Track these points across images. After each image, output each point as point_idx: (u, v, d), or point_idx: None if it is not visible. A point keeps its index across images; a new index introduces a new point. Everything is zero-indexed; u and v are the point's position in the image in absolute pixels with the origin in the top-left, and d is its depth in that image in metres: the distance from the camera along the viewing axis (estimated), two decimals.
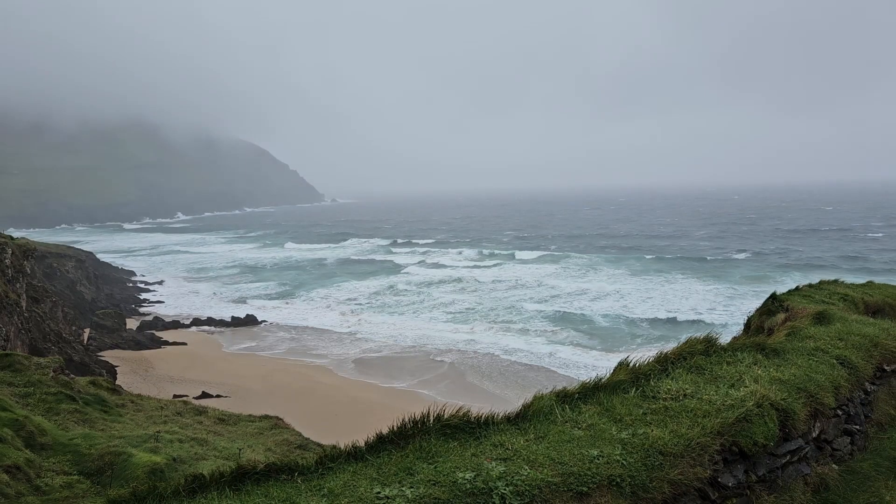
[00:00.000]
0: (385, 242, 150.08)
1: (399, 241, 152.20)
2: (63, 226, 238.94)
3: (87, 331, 56.46)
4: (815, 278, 19.47)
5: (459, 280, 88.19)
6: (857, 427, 9.36)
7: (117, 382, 33.37)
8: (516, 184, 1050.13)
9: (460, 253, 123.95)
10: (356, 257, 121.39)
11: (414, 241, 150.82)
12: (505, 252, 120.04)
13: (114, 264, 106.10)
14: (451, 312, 67.65)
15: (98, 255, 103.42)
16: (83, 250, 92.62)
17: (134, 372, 46.78)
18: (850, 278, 20.59)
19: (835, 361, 9.53)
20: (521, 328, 59.32)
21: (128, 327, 60.80)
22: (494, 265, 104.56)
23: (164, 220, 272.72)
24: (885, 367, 10.62)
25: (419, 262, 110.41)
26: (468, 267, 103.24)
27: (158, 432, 17.61)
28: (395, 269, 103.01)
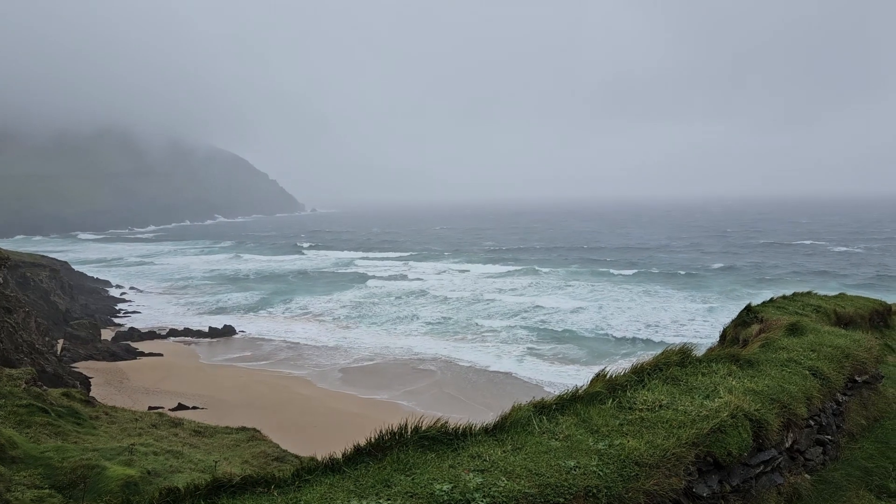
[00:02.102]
0: (364, 253, 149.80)
1: (378, 252, 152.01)
2: (20, 236, 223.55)
3: (60, 342, 55.52)
4: (790, 290, 19.78)
5: (438, 292, 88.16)
6: (829, 437, 9.52)
7: (91, 394, 32.89)
8: (501, 195, 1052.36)
9: (439, 264, 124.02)
10: (333, 269, 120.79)
11: (393, 252, 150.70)
12: (485, 264, 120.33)
13: (89, 274, 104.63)
14: (429, 324, 67.56)
15: (73, 265, 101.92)
16: (58, 260, 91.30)
17: (108, 383, 46.09)
18: (823, 290, 20.94)
19: (807, 372, 9.68)
20: (499, 340, 59.40)
21: (103, 338, 59.92)
22: (474, 277, 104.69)
23: (138, 230, 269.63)
24: (857, 378, 10.82)
25: (397, 274, 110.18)
26: (447, 278, 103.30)
27: (133, 445, 17.36)
28: (374, 280, 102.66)
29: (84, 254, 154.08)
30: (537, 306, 74.60)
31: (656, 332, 60.77)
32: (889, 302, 20.48)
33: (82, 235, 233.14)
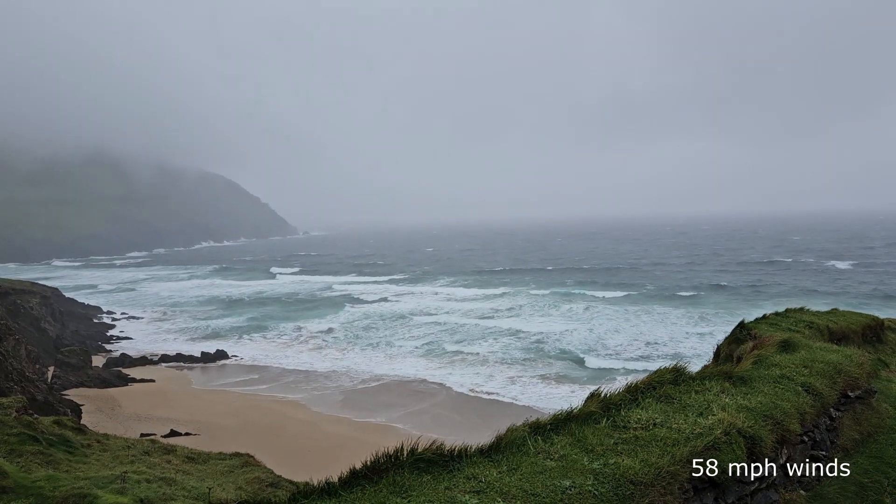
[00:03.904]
0: (357, 276, 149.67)
1: (371, 275, 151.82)
2: (12, 264, 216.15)
3: (51, 369, 55.08)
4: (783, 306, 19.85)
5: (430, 313, 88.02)
6: (823, 453, 9.54)
7: (82, 422, 32.55)
8: (496, 215, 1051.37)
9: (432, 286, 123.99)
10: (325, 292, 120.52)
11: (386, 274, 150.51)
12: (480, 287, 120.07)
13: (79, 300, 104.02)
14: (423, 345, 67.35)
15: (63, 292, 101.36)
16: (48, 286, 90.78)
17: (100, 410, 45.65)
18: (816, 306, 21.04)
19: (800, 388, 9.73)
20: (494, 361, 59.24)
21: (94, 365, 59.38)
22: (467, 298, 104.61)
23: (129, 255, 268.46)
24: (850, 394, 10.87)
25: (389, 296, 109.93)
26: (440, 300, 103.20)
27: (125, 473, 17.20)
28: (366, 303, 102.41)
29: (74, 280, 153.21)
30: (531, 327, 74.54)
31: (652, 350, 60.73)
32: (881, 317, 20.62)
33: (71, 262, 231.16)
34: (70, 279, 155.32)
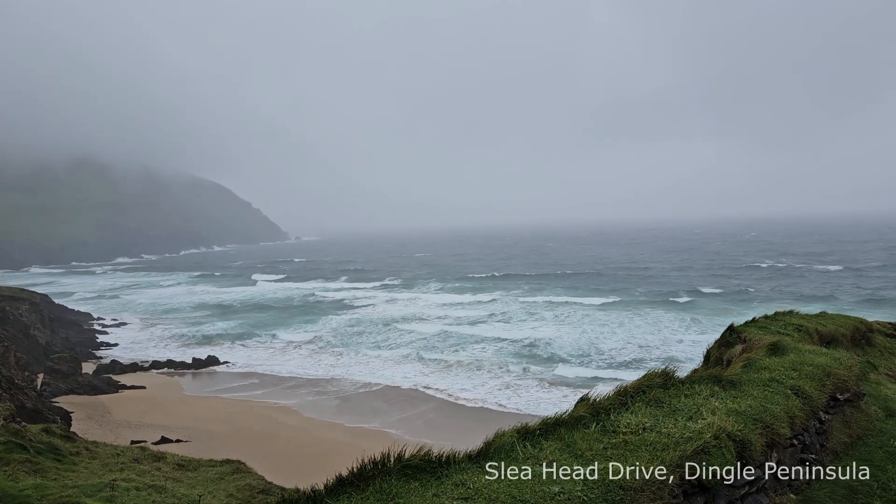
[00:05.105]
0: (349, 282, 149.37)
1: (363, 280, 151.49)
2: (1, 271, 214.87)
3: (40, 376, 54.64)
4: (774, 310, 19.89)
5: (423, 319, 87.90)
6: (813, 456, 9.55)
7: (72, 429, 32.34)
8: (492, 220, 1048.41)
9: (425, 292, 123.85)
10: (317, 298, 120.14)
11: (378, 280, 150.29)
12: (472, 292, 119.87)
13: (69, 307, 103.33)
14: (415, 351, 67.19)
15: (53, 299, 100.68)
16: (37, 293, 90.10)
17: (90, 418, 45.30)
18: (805, 309, 21.09)
19: (789, 392, 9.74)
20: (486, 366, 59.20)
21: (84, 371, 59.00)
22: (459, 304, 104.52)
23: (120, 260, 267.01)
24: (839, 396, 10.89)
25: (382, 301, 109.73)
26: (432, 306, 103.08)
27: (114, 480, 17.06)
28: (359, 308, 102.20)
29: (63, 287, 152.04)
30: (524, 332, 74.57)
31: (645, 354, 60.84)
32: (870, 320, 20.70)
33: (54, 269, 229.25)
34: (55, 286, 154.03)
